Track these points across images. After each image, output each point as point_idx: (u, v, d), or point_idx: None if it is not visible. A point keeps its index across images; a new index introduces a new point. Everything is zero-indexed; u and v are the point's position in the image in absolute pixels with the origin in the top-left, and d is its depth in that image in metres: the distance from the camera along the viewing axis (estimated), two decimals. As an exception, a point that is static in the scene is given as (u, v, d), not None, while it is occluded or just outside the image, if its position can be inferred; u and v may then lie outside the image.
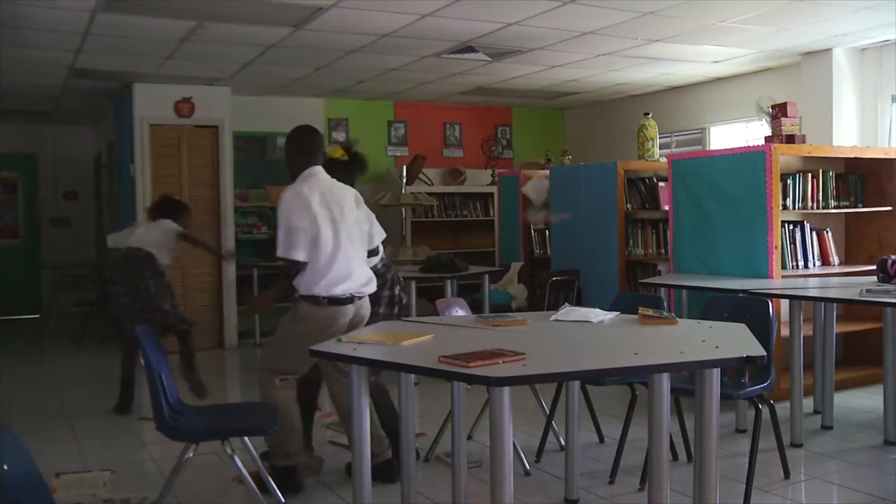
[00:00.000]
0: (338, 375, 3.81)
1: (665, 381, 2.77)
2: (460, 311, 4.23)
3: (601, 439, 4.61)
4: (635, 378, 3.86)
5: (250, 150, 9.23)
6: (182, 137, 8.11)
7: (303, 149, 3.91)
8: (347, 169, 4.21)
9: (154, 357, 3.29)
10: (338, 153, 4.29)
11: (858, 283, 4.82)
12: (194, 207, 8.10)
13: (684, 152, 8.13)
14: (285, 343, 3.79)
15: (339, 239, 3.72)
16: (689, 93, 8.76)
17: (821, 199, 5.78)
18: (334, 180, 3.92)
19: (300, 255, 3.63)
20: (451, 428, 3.38)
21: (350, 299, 3.76)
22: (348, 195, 3.91)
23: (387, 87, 8.64)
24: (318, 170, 3.88)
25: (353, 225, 3.82)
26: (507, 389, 2.42)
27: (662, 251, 6.83)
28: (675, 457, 4.14)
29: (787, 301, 4.80)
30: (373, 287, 3.90)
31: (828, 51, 6.89)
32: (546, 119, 10.60)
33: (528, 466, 4.11)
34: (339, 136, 9.51)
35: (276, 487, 3.46)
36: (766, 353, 2.70)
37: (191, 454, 3.19)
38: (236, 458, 3.27)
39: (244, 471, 3.28)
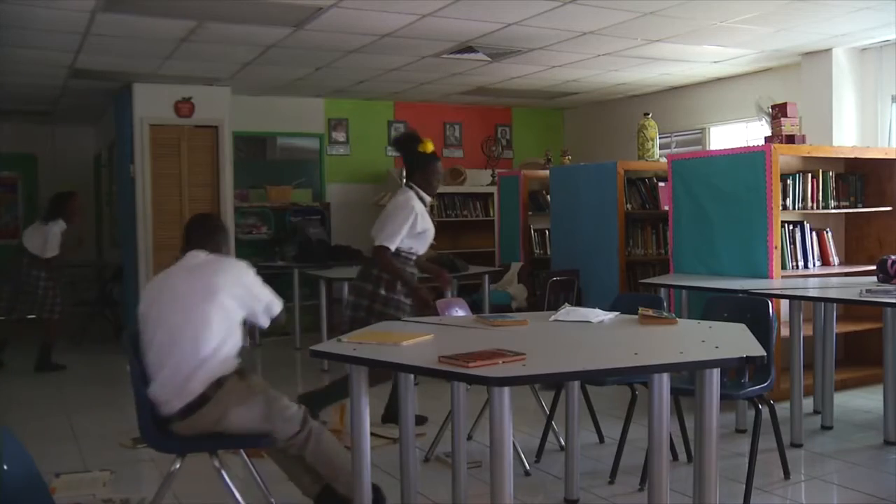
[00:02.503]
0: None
1: (665, 381, 2.77)
2: (460, 312, 4.24)
3: (601, 439, 4.61)
4: (635, 378, 3.86)
5: (250, 150, 9.24)
6: (182, 137, 8.11)
7: (190, 229, 3.51)
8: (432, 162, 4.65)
9: (141, 367, 3.20)
10: (430, 147, 4.62)
11: (858, 283, 4.82)
12: (194, 208, 8.15)
13: (684, 152, 8.13)
14: None
15: (149, 338, 3.23)
16: (689, 93, 8.76)
17: (821, 199, 5.78)
18: (203, 261, 3.36)
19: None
20: (451, 428, 3.39)
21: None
22: (209, 279, 3.25)
23: (387, 87, 8.64)
24: (192, 255, 3.40)
25: (179, 320, 3.18)
26: (507, 390, 2.42)
27: (662, 251, 6.83)
28: (675, 457, 4.14)
29: (787, 301, 4.80)
30: (187, 395, 3.11)
31: (828, 51, 6.89)
32: (546, 119, 10.60)
33: (528, 466, 4.10)
34: (340, 135, 9.52)
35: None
36: (766, 353, 2.69)
37: (177, 465, 3.14)
38: (224, 473, 3.19)
39: (233, 487, 3.20)
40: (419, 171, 4.69)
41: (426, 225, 4.62)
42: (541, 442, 4.39)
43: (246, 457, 3.41)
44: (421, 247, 4.67)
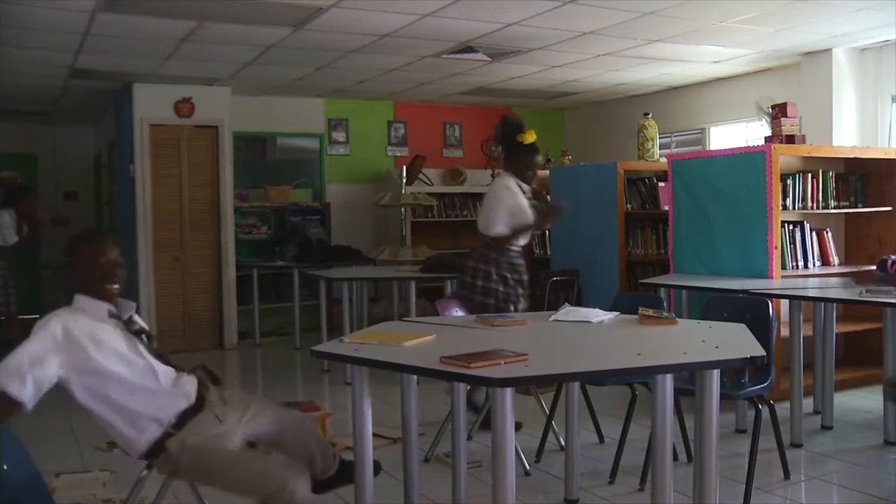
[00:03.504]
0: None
1: (669, 381, 2.75)
2: (459, 312, 4.24)
3: (601, 439, 4.61)
4: (636, 378, 3.86)
5: (250, 150, 9.23)
6: (182, 137, 8.11)
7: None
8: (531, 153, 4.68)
9: None
10: (530, 138, 4.62)
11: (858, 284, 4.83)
12: (194, 207, 8.16)
13: (684, 152, 8.13)
14: None
15: None
16: (689, 93, 8.76)
17: (821, 199, 5.78)
18: None
19: None
20: (451, 428, 3.39)
21: None
22: None
23: (387, 87, 8.64)
24: None
25: None
26: (509, 390, 2.42)
27: (662, 251, 6.83)
28: (675, 457, 4.13)
29: (787, 301, 4.80)
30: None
31: (828, 51, 6.89)
32: (546, 119, 10.60)
33: (528, 467, 4.11)
34: (340, 135, 9.52)
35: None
36: (766, 354, 2.69)
37: (147, 472, 3.08)
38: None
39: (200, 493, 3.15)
40: (515, 160, 4.70)
41: (522, 210, 4.63)
42: (541, 442, 4.39)
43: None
44: (520, 237, 4.69)
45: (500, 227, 4.57)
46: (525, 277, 4.74)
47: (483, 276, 4.62)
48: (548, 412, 4.46)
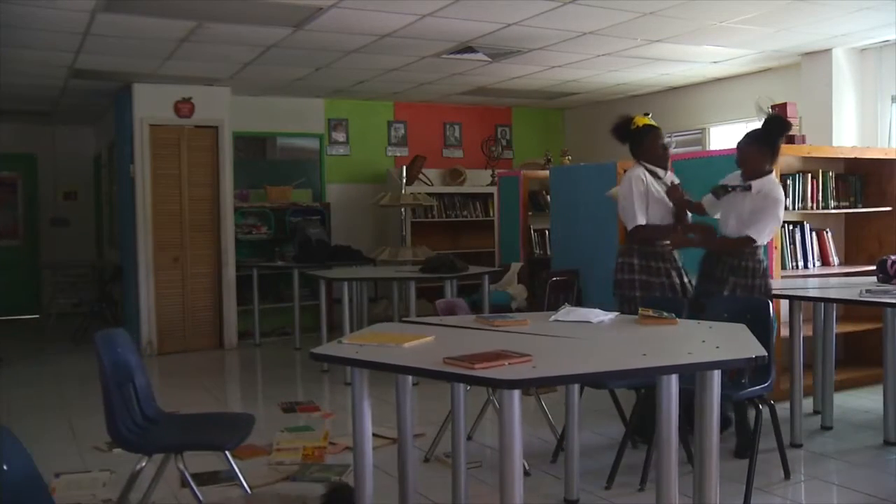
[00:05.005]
0: None
1: (674, 382, 2.74)
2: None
3: (633, 444, 4.38)
4: (642, 379, 3.84)
5: (250, 150, 9.24)
6: (182, 137, 8.10)
7: None
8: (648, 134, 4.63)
9: (114, 359, 3.13)
10: (642, 121, 4.62)
11: (858, 284, 4.82)
12: (194, 207, 8.16)
13: (684, 152, 8.13)
14: None
15: None
16: (689, 93, 8.76)
17: (821, 199, 5.79)
18: None
19: None
20: (451, 428, 3.38)
21: None
22: None
23: (387, 87, 8.64)
24: None
25: None
26: (516, 392, 2.41)
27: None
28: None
29: (787, 301, 4.80)
30: None
31: (828, 51, 6.89)
32: (546, 119, 10.60)
33: (527, 467, 4.10)
34: (340, 136, 9.52)
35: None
36: (766, 354, 2.69)
37: (143, 464, 3.11)
38: (186, 474, 3.16)
39: (195, 488, 3.20)
40: (639, 147, 4.67)
41: (659, 196, 4.58)
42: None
43: (232, 463, 3.35)
44: (661, 220, 4.62)
45: (638, 219, 4.54)
46: (675, 259, 4.68)
47: (628, 269, 4.59)
48: (547, 413, 4.45)
